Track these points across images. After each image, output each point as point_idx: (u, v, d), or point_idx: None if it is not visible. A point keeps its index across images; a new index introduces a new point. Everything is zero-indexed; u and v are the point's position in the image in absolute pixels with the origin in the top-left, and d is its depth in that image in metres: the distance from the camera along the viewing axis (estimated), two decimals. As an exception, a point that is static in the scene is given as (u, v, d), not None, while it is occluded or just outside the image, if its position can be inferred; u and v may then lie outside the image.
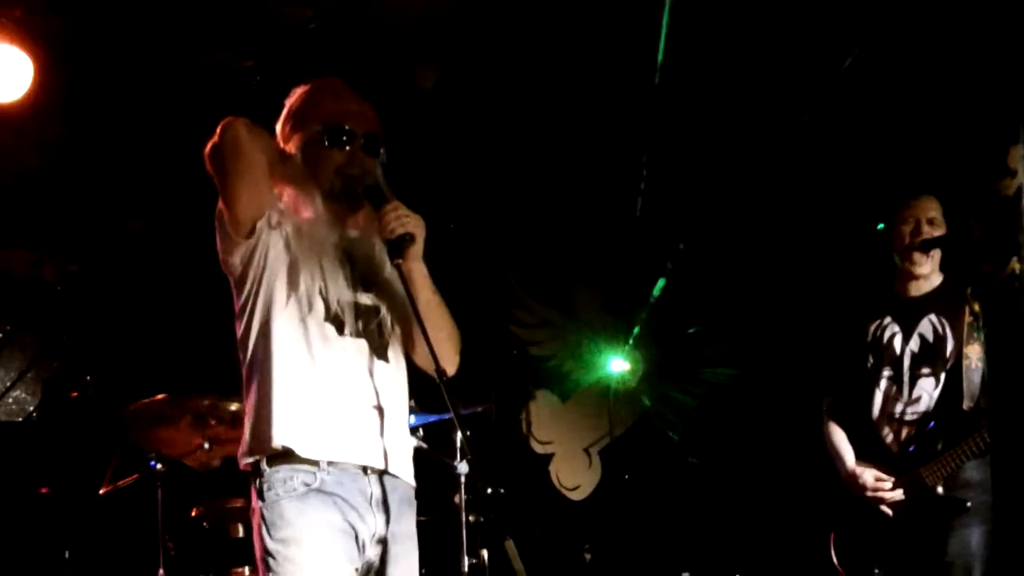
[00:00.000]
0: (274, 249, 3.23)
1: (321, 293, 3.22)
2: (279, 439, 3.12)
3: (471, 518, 5.01)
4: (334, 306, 3.22)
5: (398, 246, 3.20)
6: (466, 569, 5.07)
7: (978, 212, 2.99)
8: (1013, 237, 2.95)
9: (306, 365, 3.17)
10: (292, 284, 3.20)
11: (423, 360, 3.39)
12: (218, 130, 3.18)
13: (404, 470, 3.30)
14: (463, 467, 5.20)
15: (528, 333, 7.63)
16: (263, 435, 3.14)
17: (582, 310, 7.70)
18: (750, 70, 5.94)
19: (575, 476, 7.69)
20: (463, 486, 5.20)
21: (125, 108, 5.92)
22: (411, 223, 3.21)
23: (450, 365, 3.28)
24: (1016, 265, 2.95)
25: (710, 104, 6.28)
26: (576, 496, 7.67)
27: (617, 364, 7.56)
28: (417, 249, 3.24)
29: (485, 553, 5.10)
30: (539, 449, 7.64)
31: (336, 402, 3.18)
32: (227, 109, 3.22)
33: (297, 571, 3.10)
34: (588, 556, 7.03)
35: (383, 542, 3.23)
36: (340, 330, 3.22)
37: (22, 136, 5.74)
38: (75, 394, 6.01)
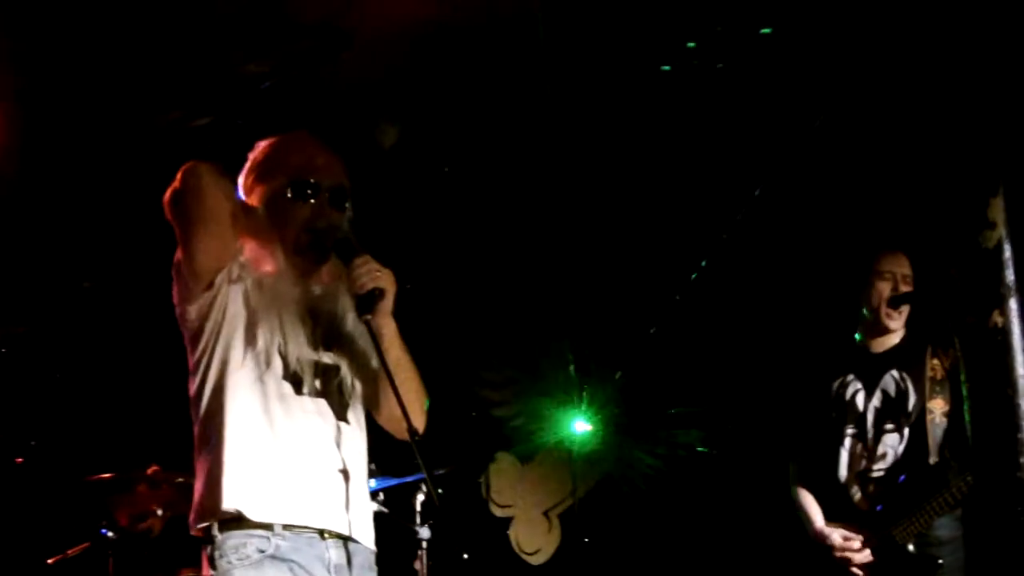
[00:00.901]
0: (233, 304, 3.12)
1: (280, 351, 3.10)
2: (229, 502, 2.98)
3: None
4: (293, 364, 3.11)
5: (368, 301, 3.09)
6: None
7: (959, 264, 2.95)
8: (995, 290, 2.92)
9: (261, 425, 3.05)
10: (250, 341, 3.09)
11: (387, 420, 3.29)
12: (179, 175, 3.07)
13: (364, 535, 3.18)
14: (425, 532, 5.09)
15: (494, 394, 7.53)
16: (214, 498, 3.01)
17: (547, 371, 7.62)
18: (724, 124, 5.92)
19: (535, 540, 7.58)
20: (425, 551, 5.08)
21: (78, 165, 5.81)
22: (382, 278, 3.11)
23: (419, 425, 3.17)
24: (998, 318, 2.91)
25: (683, 164, 6.26)
26: (536, 560, 7.55)
27: (580, 425, 7.48)
28: (387, 304, 3.14)
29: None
30: (499, 512, 7.52)
31: (292, 464, 3.06)
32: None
33: None
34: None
35: None
36: (299, 389, 3.11)
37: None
38: (20, 460, 5.83)
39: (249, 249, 3.16)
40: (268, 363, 3.08)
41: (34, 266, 6.15)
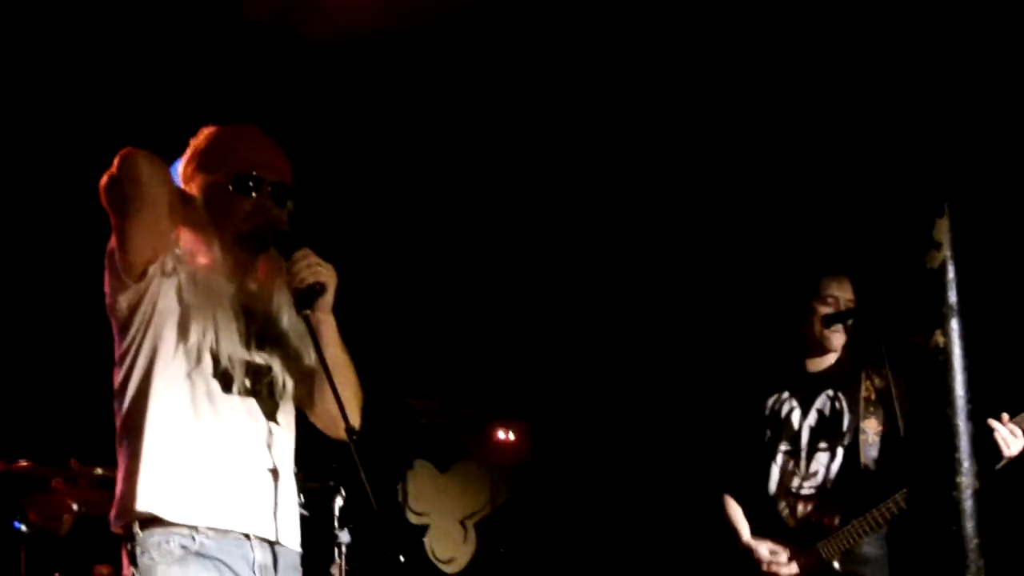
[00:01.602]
0: (165, 297, 3.03)
1: (212, 348, 3.03)
2: (144, 504, 2.91)
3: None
4: (224, 362, 3.04)
5: (308, 297, 3.02)
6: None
7: (903, 284, 2.97)
8: (938, 310, 2.93)
9: (186, 423, 2.97)
10: (182, 335, 3.01)
11: (321, 418, 3.23)
12: (116, 161, 2.97)
13: (291, 537, 3.12)
14: (345, 536, 5.01)
15: (423, 404, 7.49)
16: (132, 498, 2.93)
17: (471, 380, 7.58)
18: (659, 134, 5.93)
19: (450, 548, 7.54)
20: (344, 556, 5.01)
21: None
22: (323, 272, 3.04)
23: (355, 423, 3.10)
24: (940, 338, 2.93)
25: (612, 163, 6.25)
26: (450, 569, 7.52)
27: (503, 434, 7.47)
28: (328, 300, 3.07)
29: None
30: (415, 520, 7.47)
31: (216, 464, 2.98)
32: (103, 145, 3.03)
33: None
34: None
35: None
36: (228, 388, 3.04)
37: None
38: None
39: (185, 240, 3.08)
40: (198, 359, 3.01)
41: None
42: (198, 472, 2.96)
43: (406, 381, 7.39)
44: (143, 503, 2.91)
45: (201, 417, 2.99)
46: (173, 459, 2.95)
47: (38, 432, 5.36)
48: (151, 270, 3.02)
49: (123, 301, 3.04)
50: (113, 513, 3.00)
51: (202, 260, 3.07)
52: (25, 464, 4.48)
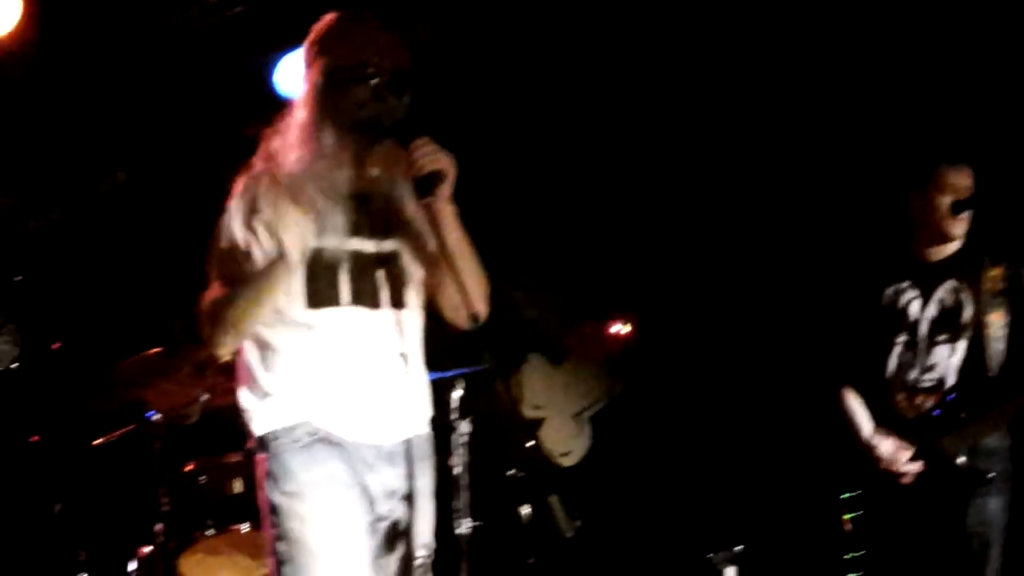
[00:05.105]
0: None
1: (322, 240, 3.06)
2: (260, 428, 3.06)
3: (509, 473, 4.89)
4: (337, 254, 3.08)
5: (428, 184, 3.05)
6: (467, 532, 4.91)
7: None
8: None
9: (301, 324, 3.05)
10: (288, 232, 3.02)
11: (449, 307, 3.26)
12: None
13: (420, 424, 3.19)
14: (465, 426, 5.04)
15: (526, 298, 7.46)
16: (249, 420, 3.08)
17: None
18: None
19: (565, 442, 7.56)
20: (464, 446, 5.03)
21: (112, 56, 5.73)
22: (442, 161, 3.06)
23: (481, 310, 3.13)
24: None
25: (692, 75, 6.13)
26: (567, 462, 7.54)
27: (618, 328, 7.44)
28: (447, 188, 3.08)
29: (526, 510, 4.98)
30: (529, 414, 7.48)
31: (338, 368, 3.06)
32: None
33: (303, 527, 2.98)
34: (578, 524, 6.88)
35: (396, 496, 3.11)
36: (347, 280, 3.09)
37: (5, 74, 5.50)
38: (57, 345, 5.78)
39: (293, 135, 3.14)
40: (308, 253, 3.03)
41: (68, 154, 6.07)
42: (317, 383, 3.05)
43: (506, 269, 7.32)
44: (259, 427, 3.06)
45: (317, 316, 3.06)
46: (282, 374, 3.06)
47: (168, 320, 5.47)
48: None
49: None
50: (241, 422, 3.12)
51: (311, 153, 3.11)
52: (156, 351, 4.55)
